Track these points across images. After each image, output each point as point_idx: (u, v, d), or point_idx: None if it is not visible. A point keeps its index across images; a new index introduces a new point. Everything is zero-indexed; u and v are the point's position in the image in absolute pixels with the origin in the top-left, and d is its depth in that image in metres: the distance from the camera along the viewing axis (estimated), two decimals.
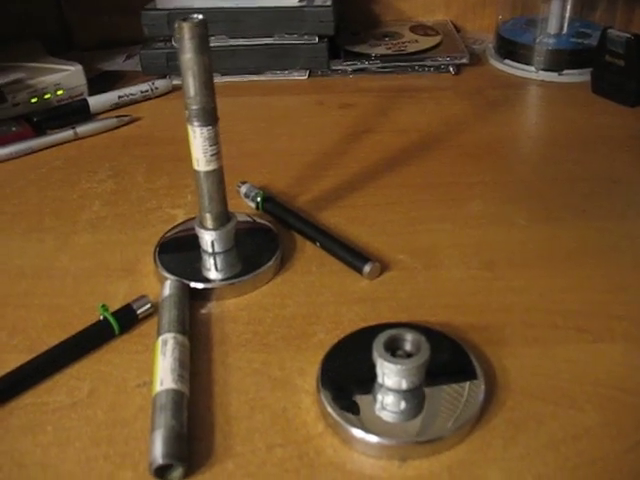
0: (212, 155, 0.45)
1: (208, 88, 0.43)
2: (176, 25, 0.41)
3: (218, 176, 0.46)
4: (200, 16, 0.42)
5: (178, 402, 0.37)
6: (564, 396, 0.39)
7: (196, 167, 0.46)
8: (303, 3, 0.80)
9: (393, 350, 0.36)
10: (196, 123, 0.44)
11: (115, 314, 0.44)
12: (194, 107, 0.43)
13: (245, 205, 0.57)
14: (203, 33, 0.42)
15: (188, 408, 0.38)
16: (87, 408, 0.39)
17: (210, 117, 0.44)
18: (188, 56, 0.42)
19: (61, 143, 0.71)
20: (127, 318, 0.45)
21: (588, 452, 0.36)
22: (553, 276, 0.49)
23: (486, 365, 0.41)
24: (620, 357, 0.42)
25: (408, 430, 0.36)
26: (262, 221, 0.54)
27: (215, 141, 0.45)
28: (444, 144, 0.67)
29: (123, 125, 0.74)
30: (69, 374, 0.42)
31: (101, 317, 0.44)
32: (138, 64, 0.85)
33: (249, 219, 0.54)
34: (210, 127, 0.44)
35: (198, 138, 0.44)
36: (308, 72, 0.84)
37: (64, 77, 0.77)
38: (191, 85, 0.43)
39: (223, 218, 0.48)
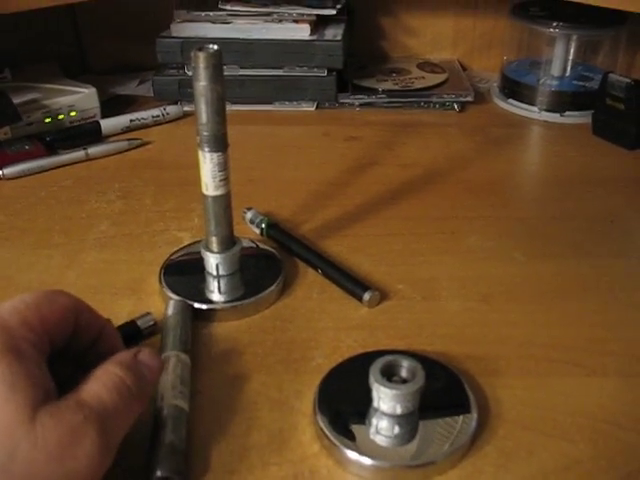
0: (221, 180, 0.46)
1: (220, 115, 0.45)
2: (192, 54, 0.43)
3: (226, 201, 0.48)
4: (215, 46, 0.43)
5: (178, 417, 0.38)
6: (556, 428, 0.40)
7: (205, 191, 0.47)
8: (314, 37, 0.82)
9: (389, 376, 0.37)
10: (207, 149, 0.45)
11: (119, 328, 0.45)
12: (205, 133, 0.45)
13: (250, 231, 0.58)
14: (217, 63, 0.43)
15: (187, 424, 0.39)
16: None
17: (220, 144, 0.45)
18: (202, 84, 0.43)
19: (72, 163, 0.72)
20: (131, 333, 0.46)
21: None
22: (549, 311, 0.50)
23: (480, 394, 0.42)
24: (613, 391, 0.43)
25: (401, 454, 0.37)
26: (266, 247, 0.55)
27: (224, 167, 0.46)
28: (446, 179, 0.69)
29: (133, 148, 0.76)
30: None
31: None
32: (150, 89, 0.87)
33: (253, 244, 0.55)
34: (220, 153, 0.46)
35: (208, 163, 0.46)
36: (316, 104, 0.86)
37: (78, 99, 0.79)
38: (204, 112, 0.44)
39: (228, 242, 0.49)
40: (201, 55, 0.43)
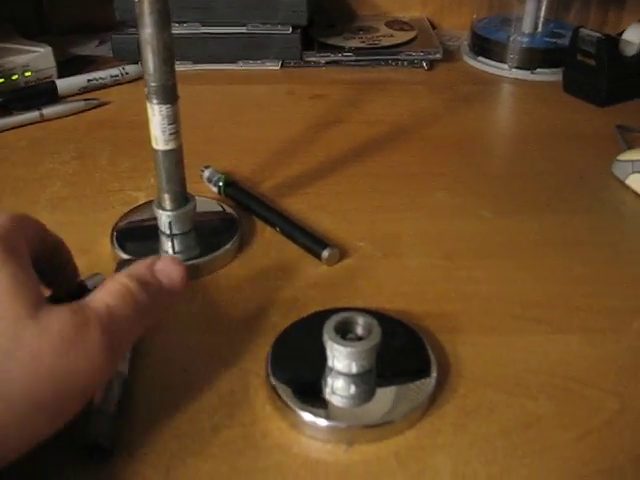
0: (171, 134, 0.44)
1: (168, 65, 0.42)
2: (136, 0, 0.40)
3: (177, 156, 0.46)
4: None
5: (111, 382, 0.36)
6: (518, 385, 0.39)
7: (155, 146, 0.45)
8: None
9: (344, 333, 0.36)
10: (155, 100, 0.43)
11: (67, 289, 0.43)
12: (153, 84, 0.43)
13: (208, 190, 0.56)
14: (163, 8, 0.41)
15: (125, 387, 0.37)
16: None
17: (170, 95, 0.43)
18: (148, 31, 0.41)
19: (26, 124, 0.69)
20: (79, 295, 0.43)
21: (538, 441, 0.35)
22: (514, 267, 0.49)
23: (441, 352, 0.41)
24: (577, 348, 0.41)
25: (357, 414, 0.36)
26: (223, 205, 0.53)
27: (174, 119, 0.44)
28: (413, 136, 0.67)
29: (91, 108, 0.73)
30: None
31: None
32: (110, 50, 0.84)
33: (210, 203, 0.53)
34: (169, 105, 0.43)
35: (157, 116, 0.44)
36: (281, 62, 0.83)
37: (33, 59, 0.76)
38: (150, 61, 0.42)
39: (181, 199, 0.47)
40: (145, 0, 0.40)
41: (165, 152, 0.45)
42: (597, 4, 0.87)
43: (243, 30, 0.81)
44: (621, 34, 0.75)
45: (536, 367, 0.40)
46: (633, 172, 0.58)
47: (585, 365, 0.40)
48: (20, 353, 0.28)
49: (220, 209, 0.53)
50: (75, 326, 0.30)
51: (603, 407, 0.37)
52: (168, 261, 0.36)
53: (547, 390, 0.38)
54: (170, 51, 0.42)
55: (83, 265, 0.48)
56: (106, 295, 0.33)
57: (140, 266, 0.35)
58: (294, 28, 0.81)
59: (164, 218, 0.47)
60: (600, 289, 0.47)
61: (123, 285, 0.33)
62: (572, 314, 0.44)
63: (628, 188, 0.58)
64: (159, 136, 0.44)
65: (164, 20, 0.41)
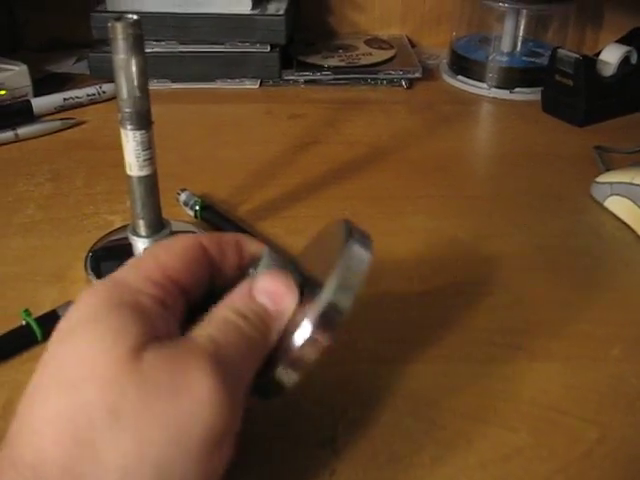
0: (145, 160, 0.44)
1: (142, 91, 0.42)
2: (109, 24, 0.40)
3: (151, 182, 0.45)
4: (135, 16, 0.40)
5: None
6: (497, 415, 0.38)
7: (129, 172, 0.44)
8: (255, 11, 0.79)
9: None
10: (129, 127, 0.42)
11: (38, 319, 0.42)
12: (127, 110, 0.42)
13: (185, 213, 0.56)
14: (137, 34, 0.40)
15: None
16: (1, 420, 0.37)
17: (143, 121, 0.43)
18: (121, 57, 0.40)
19: (0, 145, 0.68)
20: (51, 324, 0.42)
21: (517, 473, 0.35)
22: (493, 293, 0.48)
23: (417, 381, 0.40)
24: (557, 376, 0.41)
25: None
26: (199, 230, 0.53)
27: (148, 145, 0.43)
28: (392, 157, 0.67)
29: (67, 128, 0.72)
30: None
31: (23, 322, 0.42)
32: (87, 67, 0.83)
33: (186, 227, 0.53)
34: (143, 131, 0.43)
35: (131, 142, 0.43)
36: (259, 81, 0.83)
37: (7, 77, 0.75)
38: (124, 87, 0.41)
39: (157, 225, 0.47)
40: (119, 26, 0.40)
41: (139, 178, 0.44)
42: (575, 24, 0.88)
43: (221, 49, 0.81)
44: (598, 54, 0.76)
45: (515, 396, 0.40)
46: (611, 194, 0.58)
47: (565, 394, 0.40)
48: (126, 406, 0.26)
49: (196, 234, 0.52)
50: (179, 366, 0.27)
51: (583, 437, 0.37)
52: (266, 280, 0.32)
53: (526, 420, 0.38)
54: (144, 77, 0.42)
55: (56, 292, 0.48)
56: (213, 330, 0.30)
57: (239, 295, 0.32)
58: (272, 47, 0.81)
59: (139, 245, 0.46)
60: (579, 315, 0.46)
61: (229, 321, 0.30)
62: (551, 341, 0.44)
63: (607, 210, 0.58)
64: (133, 162, 0.44)
65: (138, 45, 0.41)
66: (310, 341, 0.30)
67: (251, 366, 0.30)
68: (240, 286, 0.32)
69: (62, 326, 0.30)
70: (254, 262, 0.34)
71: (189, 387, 0.27)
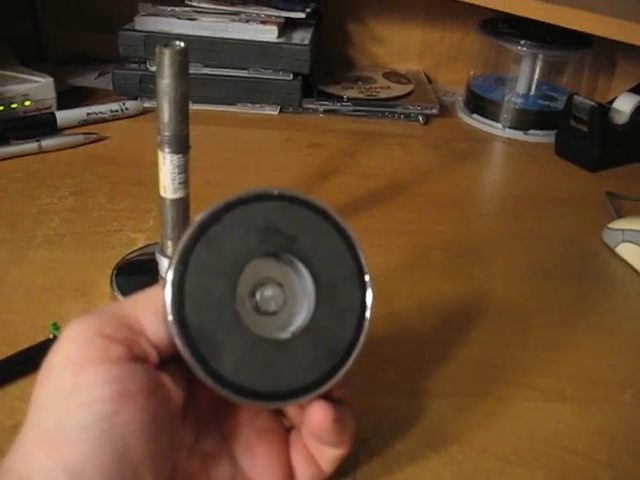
0: (180, 183, 0.45)
1: (183, 115, 0.43)
2: (157, 50, 0.41)
3: (184, 205, 0.46)
4: (182, 43, 0.41)
5: None
6: (513, 453, 0.39)
7: (162, 194, 0.45)
8: (281, 39, 0.80)
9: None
10: (167, 150, 0.43)
11: None
12: (167, 134, 0.43)
13: None
14: (183, 60, 0.41)
15: None
16: None
17: (182, 145, 0.44)
18: (166, 82, 0.41)
19: (24, 155, 0.69)
20: None
21: None
22: (508, 332, 0.49)
23: (436, 415, 0.41)
24: (570, 417, 0.42)
25: None
26: None
27: (184, 169, 0.44)
28: (409, 191, 0.68)
29: (89, 143, 0.73)
30: (11, 393, 0.41)
31: (51, 336, 0.43)
32: (110, 83, 0.84)
33: None
34: (181, 155, 0.44)
35: (168, 165, 0.44)
36: (279, 108, 0.84)
37: (33, 88, 0.76)
38: (166, 111, 0.42)
39: None
40: (166, 52, 0.41)
41: (173, 201, 0.45)
42: (589, 71, 0.90)
43: (244, 74, 0.82)
44: (611, 102, 0.78)
45: (531, 435, 0.41)
46: (624, 241, 0.59)
47: (578, 435, 0.41)
48: None
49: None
50: None
51: (595, 479, 0.38)
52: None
53: (541, 459, 0.39)
54: (186, 101, 0.43)
55: (80, 307, 0.48)
56: None
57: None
58: (295, 75, 0.82)
59: (166, 264, 0.47)
60: (592, 359, 0.48)
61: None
62: (564, 383, 0.45)
63: (618, 256, 0.59)
64: (168, 185, 0.45)
65: (183, 71, 0.42)
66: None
67: (135, 304, 0.31)
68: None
69: None
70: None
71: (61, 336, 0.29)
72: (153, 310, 0.30)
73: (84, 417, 0.27)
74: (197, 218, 0.31)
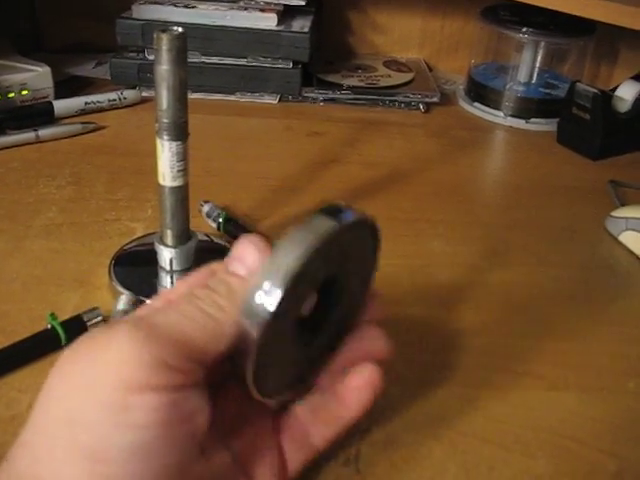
0: (179, 171, 0.44)
1: (181, 102, 0.42)
2: (155, 35, 0.40)
3: (183, 193, 0.45)
4: (180, 29, 0.41)
5: None
6: (517, 442, 0.39)
7: (161, 182, 0.45)
8: (280, 27, 0.80)
9: None
10: (166, 137, 0.43)
11: (63, 324, 0.43)
12: (165, 120, 0.42)
13: (206, 224, 0.56)
14: (182, 46, 0.41)
15: None
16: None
17: (181, 132, 0.43)
18: (164, 68, 0.41)
19: (21, 144, 0.69)
20: (76, 329, 0.43)
21: None
22: (511, 321, 0.49)
23: (440, 404, 0.40)
24: (574, 406, 0.42)
25: None
26: (222, 242, 0.53)
27: (183, 157, 0.44)
28: (410, 180, 0.68)
29: (87, 132, 0.73)
30: (9, 384, 0.40)
31: (48, 326, 0.43)
32: (108, 72, 0.84)
33: (208, 239, 0.53)
34: (180, 142, 0.43)
35: (166, 152, 0.43)
36: (279, 97, 0.83)
37: (30, 78, 0.76)
38: (164, 98, 0.42)
39: (184, 236, 0.47)
40: (164, 37, 0.40)
41: (172, 189, 0.45)
42: (591, 59, 0.89)
43: (243, 62, 0.81)
44: (614, 90, 0.77)
45: (534, 424, 0.40)
46: (627, 229, 0.58)
47: (582, 424, 0.40)
48: None
49: (218, 246, 0.53)
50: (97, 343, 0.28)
51: (601, 469, 0.38)
52: (244, 244, 0.32)
53: (545, 448, 0.38)
54: (184, 88, 0.42)
55: (79, 297, 0.48)
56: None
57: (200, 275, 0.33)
58: (295, 63, 0.82)
59: (165, 254, 0.47)
60: (594, 347, 0.47)
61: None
62: (568, 371, 0.44)
63: (621, 244, 0.59)
64: (167, 172, 0.44)
65: (181, 57, 0.41)
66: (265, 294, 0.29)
67: (202, 335, 0.29)
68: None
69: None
70: None
71: (107, 348, 0.27)
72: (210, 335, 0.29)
73: (132, 438, 0.26)
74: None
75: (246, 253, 0.32)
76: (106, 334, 0.28)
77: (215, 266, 0.33)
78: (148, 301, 0.45)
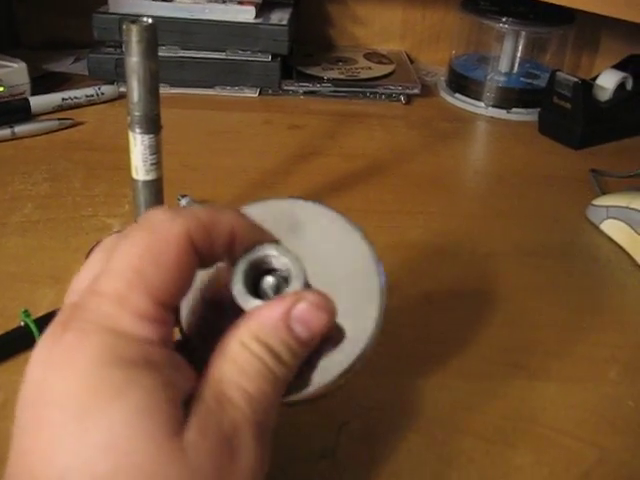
0: (152, 164, 0.44)
1: (153, 95, 0.42)
2: (124, 27, 0.40)
3: (157, 186, 0.45)
4: (150, 20, 0.40)
5: None
6: (498, 433, 0.38)
7: (135, 176, 0.44)
8: (259, 20, 0.79)
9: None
10: (138, 130, 0.42)
11: (37, 321, 0.42)
12: (137, 113, 0.42)
13: None
14: (151, 37, 0.40)
15: None
16: None
17: (153, 125, 0.43)
18: (134, 60, 0.40)
19: None
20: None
21: None
22: (491, 310, 0.48)
23: (418, 396, 0.40)
24: (555, 396, 0.41)
25: None
26: None
27: (156, 150, 0.43)
28: (391, 172, 0.67)
29: (64, 128, 0.72)
30: None
31: (22, 323, 0.42)
32: (86, 68, 0.83)
33: None
34: (152, 135, 0.43)
35: (139, 146, 0.43)
36: (259, 90, 0.83)
37: (6, 74, 0.75)
38: (135, 90, 0.41)
39: None
40: (134, 28, 0.40)
41: (145, 182, 0.44)
42: (572, 48, 0.89)
43: (222, 56, 0.81)
44: (595, 79, 0.77)
45: (515, 414, 0.40)
46: (608, 218, 0.58)
47: (563, 414, 0.40)
48: None
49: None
50: (225, 443, 0.25)
51: (582, 458, 0.37)
52: (311, 308, 0.28)
53: (526, 439, 0.38)
54: (156, 81, 0.42)
55: (54, 293, 0.47)
56: (242, 380, 0.26)
57: (271, 322, 0.27)
58: (274, 56, 0.81)
59: None
60: (576, 336, 0.47)
61: (259, 361, 0.26)
62: (549, 361, 0.44)
63: (602, 233, 0.59)
64: (140, 166, 0.43)
65: (152, 49, 0.41)
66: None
67: (278, 403, 0.28)
68: (270, 308, 0.28)
69: (58, 402, 0.24)
70: (247, 251, 0.30)
71: (235, 463, 0.25)
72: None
73: None
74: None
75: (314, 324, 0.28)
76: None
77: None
78: None
